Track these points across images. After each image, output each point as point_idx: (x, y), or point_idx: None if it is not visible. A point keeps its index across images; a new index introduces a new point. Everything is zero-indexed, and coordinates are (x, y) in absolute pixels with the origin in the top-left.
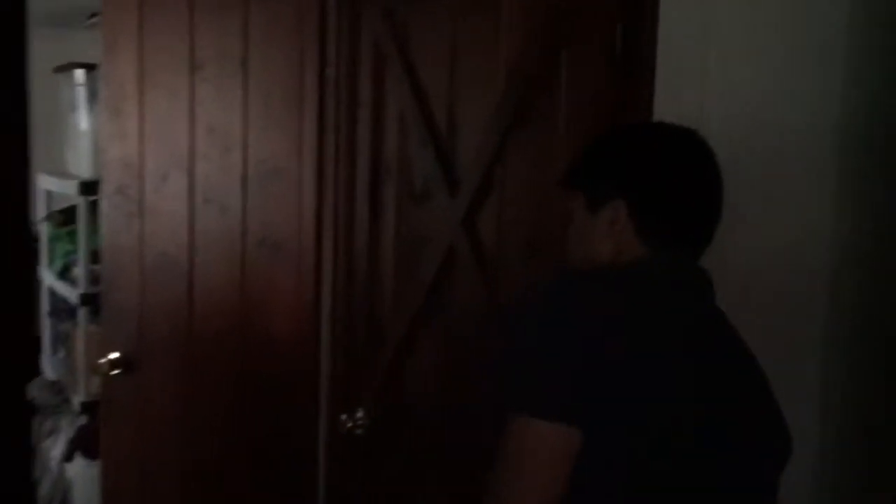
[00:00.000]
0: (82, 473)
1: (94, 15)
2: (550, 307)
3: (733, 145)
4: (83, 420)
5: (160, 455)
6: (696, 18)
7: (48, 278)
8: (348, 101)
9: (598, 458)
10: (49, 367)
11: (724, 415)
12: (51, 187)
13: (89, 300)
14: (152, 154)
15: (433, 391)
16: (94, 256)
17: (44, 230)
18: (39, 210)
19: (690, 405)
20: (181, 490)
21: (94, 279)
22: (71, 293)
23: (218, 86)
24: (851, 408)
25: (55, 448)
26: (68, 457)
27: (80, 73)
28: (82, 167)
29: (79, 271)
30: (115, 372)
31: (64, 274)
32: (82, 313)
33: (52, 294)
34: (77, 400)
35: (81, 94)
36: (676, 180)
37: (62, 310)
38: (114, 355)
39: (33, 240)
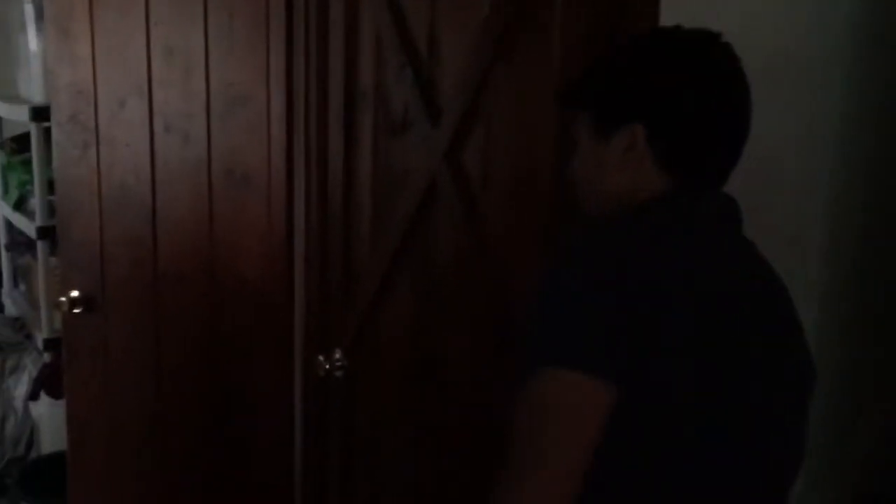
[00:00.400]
0: (48, 412)
1: None
2: (578, 266)
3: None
4: (47, 358)
5: (127, 396)
6: None
7: (4, 210)
8: (318, 21)
9: (628, 419)
10: (10, 302)
11: (754, 363)
12: (1, 113)
13: (47, 233)
14: (106, 79)
15: (412, 333)
16: (52, 187)
17: None
18: None
19: (722, 357)
20: (149, 432)
21: (51, 211)
22: (28, 226)
23: (175, 3)
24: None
25: (19, 386)
26: (33, 395)
27: None
28: (34, 91)
29: (35, 203)
30: (77, 311)
31: (20, 205)
32: (41, 247)
33: (10, 226)
34: (40, 337)
35: (30, 11)
36: (704, 97)
37: (20, 243)
38: (74, 293)
39: None
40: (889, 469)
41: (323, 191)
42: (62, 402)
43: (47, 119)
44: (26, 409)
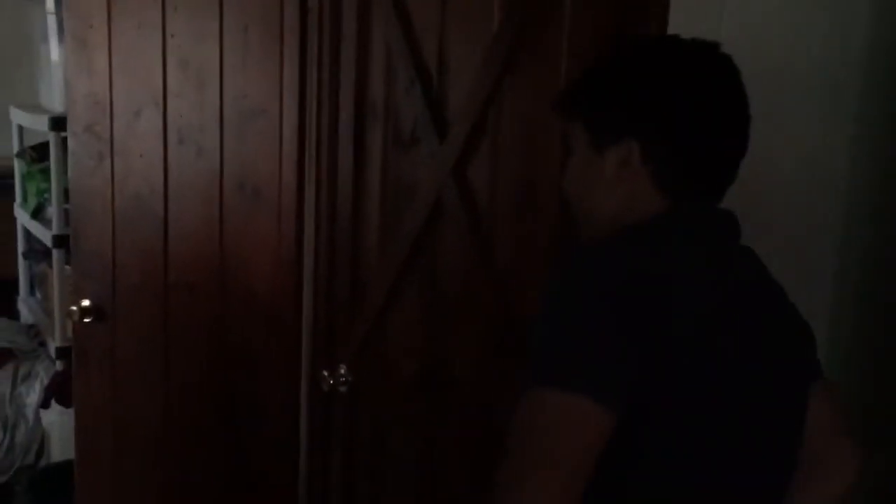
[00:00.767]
0: (59, 421)
1: None
2: (579, 286)
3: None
4: (59, 366)
5: (135, 407)
6: None
7: (22, 218)
8: (331, 35)
9: (633, 435)
10: (26, 309)
11: (756, 374)
12: (22, 122)
13: (63, 242)
14: (122, 90)
15: (418, 348)
16: (68, 196)
17: (16, 167)
18: (12, 146)
19: (724, 371)
20: (157, 444)
21: (68, 220)
22: (45, 234)
23: (191, 15)
24: (861, 339)
25: (31, 394)
26: (44, 403)
27: (49, 1)
28: (55, 101)
29: (52, 211)
30: (87, 320)
31: (38, 214)
32: (56, 255)
33: (28, 234)
34: (53, 345)
35: (52, 23)
36: (700, 113)
37: (37, 251)
38: (85, 303)
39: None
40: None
41: (332, 205)
42: (72, 411)
43: (66, 129)
44: (37, 416)
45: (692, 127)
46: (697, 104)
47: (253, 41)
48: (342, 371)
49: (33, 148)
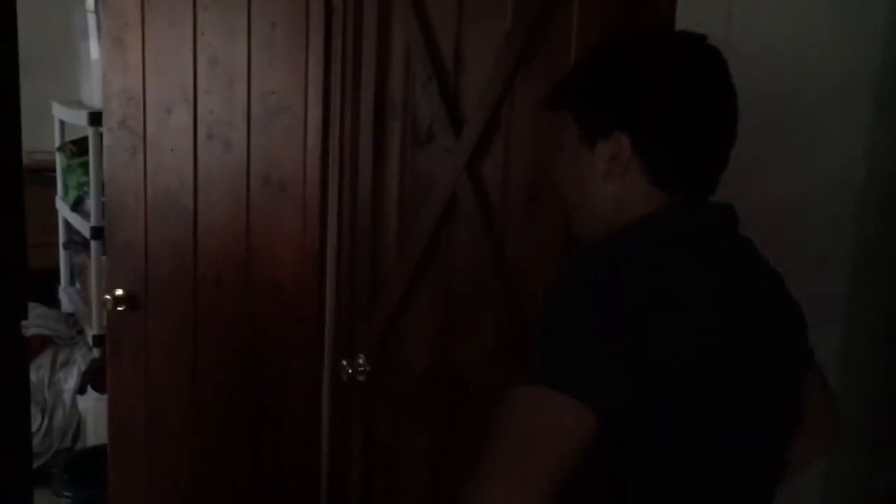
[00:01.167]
0: (94, 406)
1: None
2: (579, 288)
3: (756, 86)
4: (96, 353)
5: (165, 394)
6: None
7: (63, 210)
8: (355, 34)
9: (624, 437)
10: (65, 299)
11: (753, 369)
12: (63, 117)
13: (100, 233)
14: (155, 86)
15: (431, 343)
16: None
17: (58, 161)
18: (54, 140)
19: (722, 367)
20: (186, 430)
21: (105, 212)
22: (83, 226)
23: (221, 14)
24: (876, 353)
25: (69, 380)
26: (81, 389)
27: (90, 0)
28: (94, 97)
29: (90, 204)
30: (121, 308)
31: (77, 206)
32: (94, 246)
33: (68, 226)
34: (91, 333)
35: (92, 21)
36: (689, 105)
37: (77, 242)
38: (119, 292)
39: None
40: None
41: (354, 200)
42: (107, 397)
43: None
44: (74, 402)
45: (680, 119)
46: (684, 96)
47: (279, 39)
48: (361, 361)
49: (74, 142)
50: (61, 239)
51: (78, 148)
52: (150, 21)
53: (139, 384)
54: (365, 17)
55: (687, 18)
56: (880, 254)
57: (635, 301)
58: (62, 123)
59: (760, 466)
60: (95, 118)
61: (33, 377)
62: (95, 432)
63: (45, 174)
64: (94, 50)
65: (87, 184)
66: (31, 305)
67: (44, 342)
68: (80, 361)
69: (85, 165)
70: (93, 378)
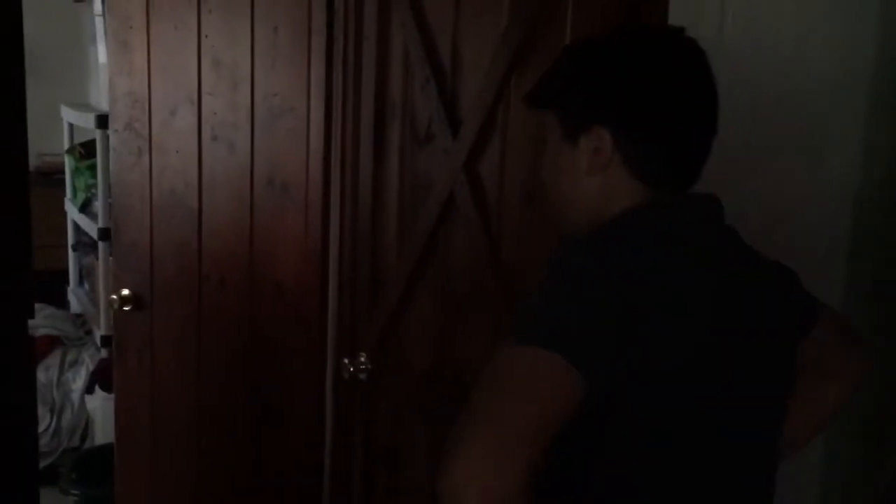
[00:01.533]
0: (102, 406)
1: None
2: (566, 272)
3: (750, 84)
4: (104, 353)
5: (170, 393)
6: None
7: (72, 212)
8: (356, 36)
9: (613, 409)
10: (74, 300)
11: (743, 357)
12: (72, 120)
13: (108, 234)
14: (160, 89)
15: (430, 341)
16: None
17: (66, 163)
18: (63, 142)
19: (707, 372)
20: (191, 428)
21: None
22: (92, 227)
23: (225, 17)
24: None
25: (77, 380)
26: (89, 389)
27: (97, 3)
28: (102, 100)
29: (98, 205)
30: (126, 308)
31: (86, 208)
32: (102, 247)
33: (77, 227)
34: (99, 333)
35: (100, 25)
36: (667, 97)
37: (85, 243)
38: (125, 292)
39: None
40: None
41: (355, 201)
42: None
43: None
44: (82, 401)
45: (659, 111)
46: (662, 87)
47: (282, 42)
48: (362, 360)
49: (82, 145)
50: (70, 240)
51: (86, 150)
52: (154, 24)
53: (144, 383)
54: (365, 20)
55: (681, 17)
56: (878, 252)
57: (619, 287)
58: (71, 126)
59: (746, 461)
60: (103, 121)
61: (42, 377)
62: (103, 431)
63: (54, 176)
64: (101, 53)
65: (95, 186)
66: (40, 306)
67: (53, 342)
68: (88, 361)
69: (93, 167)
70: (101, 378)
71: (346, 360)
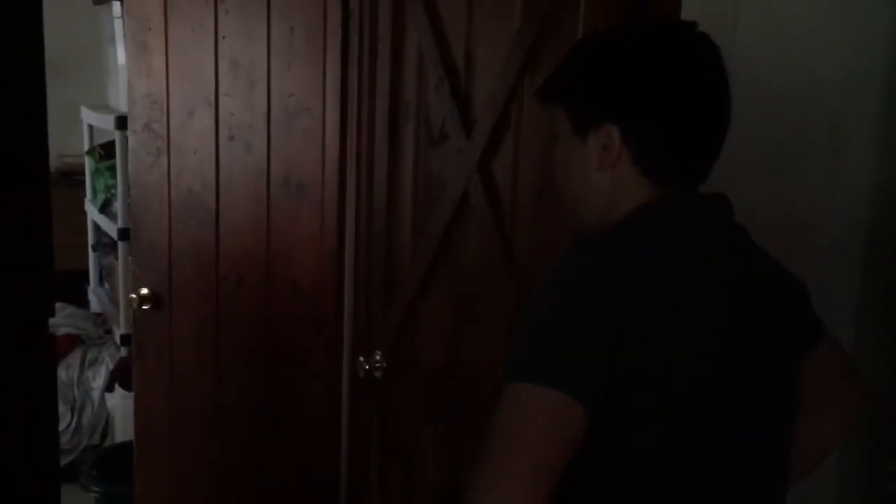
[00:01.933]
0: (122, 404)
1: None
2: (564, 280)
3: (766, 86)
4: (123, 352)
5: (188, 392)
6: None
7: (92, 212)
8: (371, 36)
9: (614, 433)
10: (94, 299)
11: (749, 362)
12: (92, 121)
13: (127, 235)
14: (178, 90)
15: (444, 340)
16: None
17: (87, 164)
18: (83, 144)
19: (712, 374)
20: (209, 426)
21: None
22: (111, 227)
23: (241, 18)
24: (882, 359)
25: (97, 378)
26: (109, 387)
27: (117, 6)
28: (121, 101)
29: (118, 206)
30: (146, 307)
31: (105, 208)
32: (121, 247)
33: (97, 228)
34: (118, 332)
35: (119, 26)
36: (678, 94)
37: (105, 244)
38: (143, 291)
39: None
40: None
41: (370, 201)
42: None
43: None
44: (102, 399)
45: (669, 107)
46: (672, 84)
47: (298, 43)
48: (377, 358)
49: (102, 146)
50: (90, 241)
51: (106, 151)
52: (172, 26)
53: (163, 382)
54: (380, 21)
55: (693, 15)
56: (892, 255)
57: (619, 291)
58: (91, 127)
59: (757, 468)
60: (122, 122)
61: (63, 375)
62: (123, 429)
63: (74, 177)
64: (121, 55)
65: (114, 186)
66: (60, 306)
67: (73, 341)
68: (108, 360)
69: (112, 168)
70: (120, 376)
71: (361, 359)
